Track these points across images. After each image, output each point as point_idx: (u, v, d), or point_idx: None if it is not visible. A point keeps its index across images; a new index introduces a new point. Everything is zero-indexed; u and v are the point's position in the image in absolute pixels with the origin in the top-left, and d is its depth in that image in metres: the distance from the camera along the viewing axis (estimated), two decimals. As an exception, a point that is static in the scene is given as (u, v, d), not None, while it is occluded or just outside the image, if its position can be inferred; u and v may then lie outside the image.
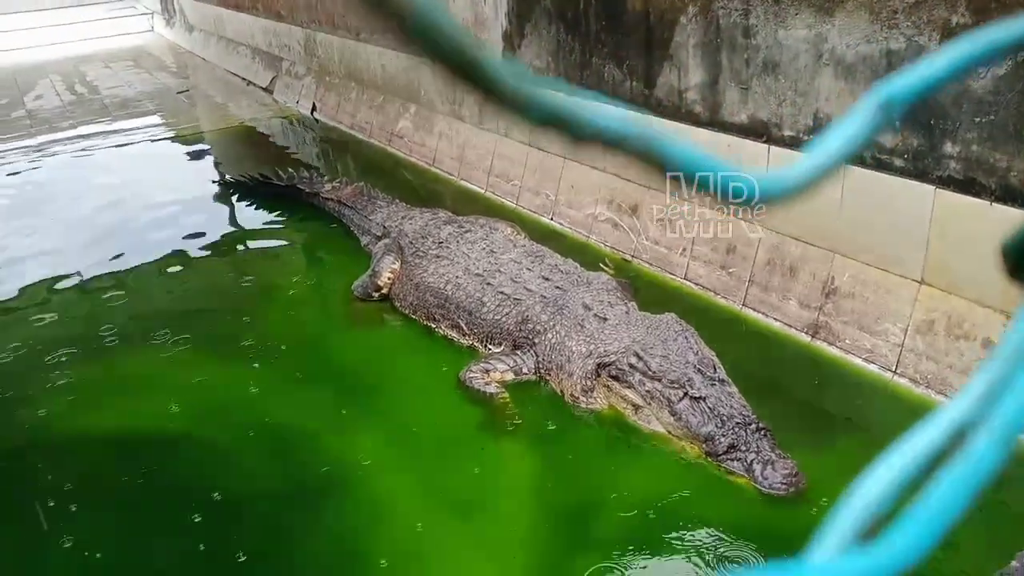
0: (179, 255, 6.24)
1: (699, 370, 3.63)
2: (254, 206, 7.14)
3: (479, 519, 3.37)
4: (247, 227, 6.82)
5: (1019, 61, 3.31)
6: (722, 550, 3.05)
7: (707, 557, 3.03)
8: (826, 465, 3.37)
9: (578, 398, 3.91)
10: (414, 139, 8.12)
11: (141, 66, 14.66)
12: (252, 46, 12.40)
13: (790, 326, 4.41)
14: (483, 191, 6.95)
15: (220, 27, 13.70)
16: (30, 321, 5.35)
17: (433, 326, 4.70)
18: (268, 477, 3.69)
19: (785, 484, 3.21)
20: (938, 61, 0.42)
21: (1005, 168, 3.49)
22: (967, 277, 3.67)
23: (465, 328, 4.50)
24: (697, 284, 4.96)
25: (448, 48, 0.34)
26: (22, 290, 5.83)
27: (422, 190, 7.34)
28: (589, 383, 3.88)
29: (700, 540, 3.10)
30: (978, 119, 3.53)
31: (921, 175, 3.82)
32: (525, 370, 4.13)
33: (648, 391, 3.66)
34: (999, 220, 3.46)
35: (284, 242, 6.47)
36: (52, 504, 3.60)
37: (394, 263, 5.10)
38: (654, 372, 3.66)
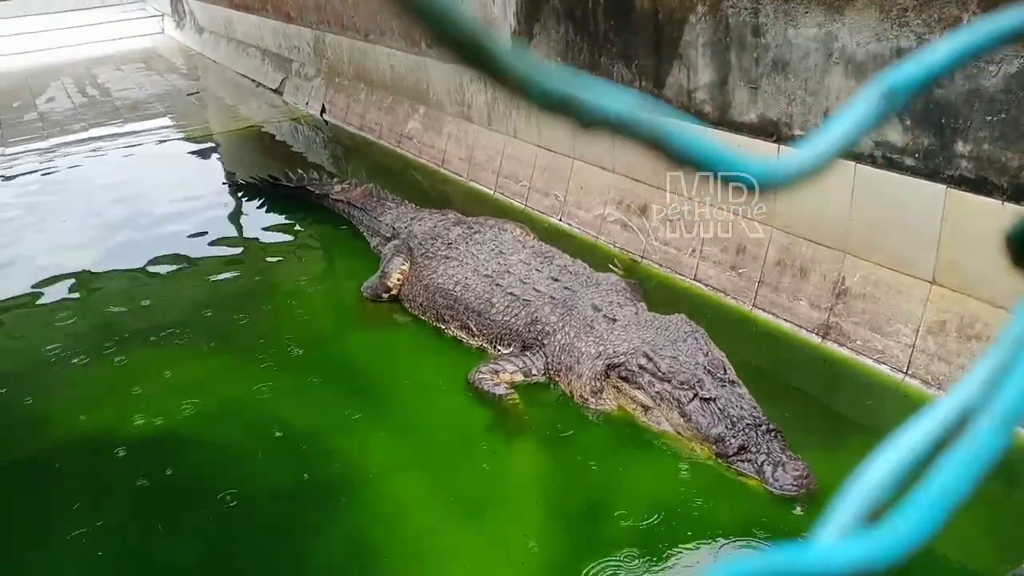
0: (189, 256, 6.27)
1: (709, 371, 3.61)
2: (264, 208, 7.17)
3: (488, 519, 3.37)
4: (257, 228, 6.85)
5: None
6: (732, 552, 3.05)
7: (717, 558, 3.02)
8: (837, 466, 3.35)
9: (587, 399, 3.91)
10: (423, 140, 8.14)
11: (152, 68, 14.74)
12: (262, 48, 12.45)
13: (800, 327, 4.39)
14: (492, 192, 6.96)
15: (230, 29, 13.77)
16: (42, 320, 5.40)
17: (442, 327, 4.71)
18: (278, 477, 3.71)
19: (796, 485, 3.20)
20: (940, 50, 0.42)
21: (1017, 167, 3.46)
22: (979, 277, 3.65)
23: (474, 329, 4.51)
24: (707, 285, 4.95)
25: (455, 31, 0.35)
26: (34, 289, 5.88)
27: (431, 191, 7.36)
28: (598, 384, 3.88)
29: (710, 541, 3.10)
30: (990, 118, 3.51)
31: (932, 174, 3.80)
32: (534, 371, 4.13)
33: (658, 392, 3.65)
34: (1011, 219, 3.44)
35: (294, 244, 6.49)
36: (62, 503, 3.62)
37: (403, 264, 5.11)
38: (664, 373, 3.65)
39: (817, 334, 4.30)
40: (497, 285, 4.50)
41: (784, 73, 4.41)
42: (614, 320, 4.05)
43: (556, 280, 4.41)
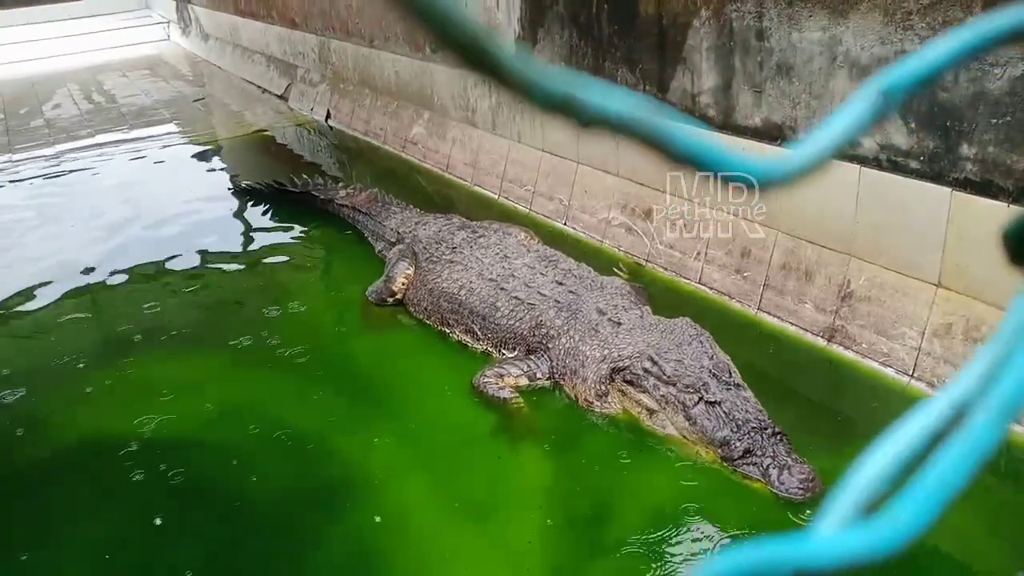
0: (195, 260, 6.30)
1: (714, 374, 3.61)
2: (269, 212, 7.19)
3: (493, 522, 3.37)
4: (262, 233, 6.87)
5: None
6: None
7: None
8: (842, 469, 3.33)
9: (592, 403, 3.91)
10: (428, 145, 8.16)
11: (157, 75, 14.81)
12: (267, 54, 12.50)
13: (806, 330, 4.38)
14: (496, 196, 6.97)
15: (235, 35, 13.82)
16: (46, 322, 5.42)
17: (447, 331, 4.72)
18: (281, 479, 3.71)
19: (802, 489, 3.19)
20: (938, 49, 0.43)
21: (1022, 169, 3.46)
22: (985, 280, 3.64)
23: (479, 333, 4.51)
24: (711, 288, 4.95)
25: (459, 35, 0.35)
26: (39, 291, 5.90)
27: (436, 196, 7.37)
28: (603, 388, 3.87)
29: (715, 545, 3.09)
30: (995, 120, 3.51)
31: (937, 177, 3.79)
32: (539, 375, 4.13)
33: (663, 396, 3.65)
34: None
35: (298, 248, 6.51)
36: (63, 504, 3.64)
37: (408, 268, 5.12)
38: (669, 376, 3.65)
39: (822, 337, 4.29)
40: (502, 289, 4.51)
41: (788, 77, 4.41)
42: (619, 324, 4.04)
43: (561, 284, 4.41)
